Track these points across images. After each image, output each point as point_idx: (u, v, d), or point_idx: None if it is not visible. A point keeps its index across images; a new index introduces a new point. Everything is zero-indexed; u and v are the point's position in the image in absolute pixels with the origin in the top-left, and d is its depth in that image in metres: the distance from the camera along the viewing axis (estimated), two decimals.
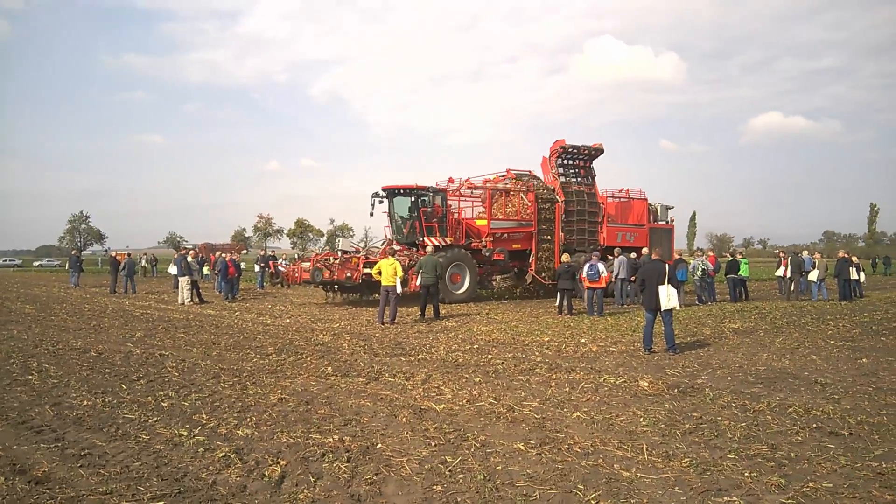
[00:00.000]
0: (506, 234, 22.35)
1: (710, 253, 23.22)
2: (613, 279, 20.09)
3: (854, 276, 22.63)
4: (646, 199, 25.52)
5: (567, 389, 8.44)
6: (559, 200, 23.14)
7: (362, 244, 22.73)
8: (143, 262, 44.14)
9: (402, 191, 21.59)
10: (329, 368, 9.81)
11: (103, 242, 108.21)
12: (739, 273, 22.68)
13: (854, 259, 24.34)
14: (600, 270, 17.16)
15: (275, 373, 9.52)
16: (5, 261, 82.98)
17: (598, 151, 24.23)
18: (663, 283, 11.10)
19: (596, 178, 24.61)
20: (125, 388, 8.52)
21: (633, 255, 21.63)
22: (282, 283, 30.77)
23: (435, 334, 13.71)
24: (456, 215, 22.46)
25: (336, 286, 20.66)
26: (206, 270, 33.10)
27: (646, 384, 8.69)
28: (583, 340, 12.70)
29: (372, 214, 21.68)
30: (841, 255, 23.20)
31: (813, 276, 22.68)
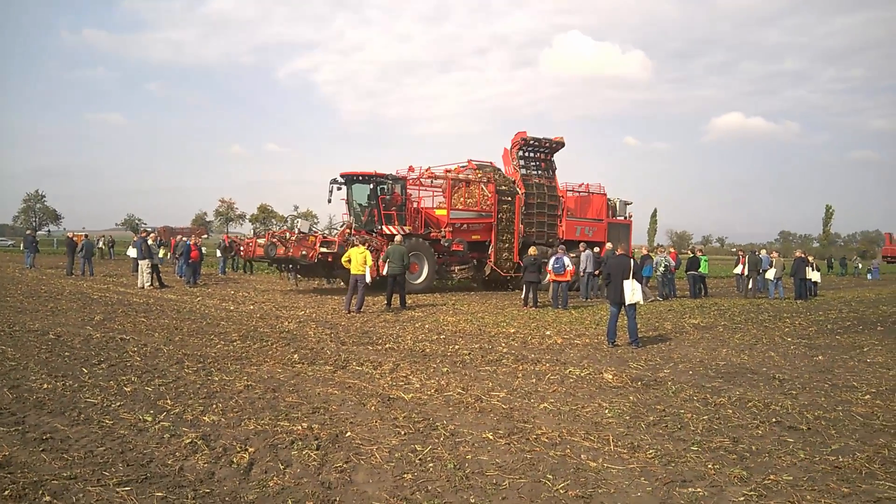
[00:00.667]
0: (465, 225, 22.26)
1: (672, 249, 23.58)
2: (581, 273, 20.35)
3: (810, 275, 23.31)
4: (605, 195, 25.69)
5: (533, 380, 8.52)
6: (519, 193, 23.20)
7: (326, 231, 22.55)
8: (101, 245, 43.25)
9: (360, 178, 21.26)
10: (295, 356, 9.73)
11: (59, 223, 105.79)
12: (699, 270, 23.19)
13: (810, 259, 25.10)
14: (566, 264, 17.32)
15: (240, 359, 9.42)
16: None
17: (559, 145, 24.29)
18: (628, 278, 11.29)
19: (556, 172, 24.69)
20: (86, 371, 8.34)
21: (597, 249, 21.92)
22: (244, 267, 30.47)
23: (402, 324, 13.71)
24: (416, 204, 22.31)
25: (291, 266, 20.42)
26: (162, 253, 32.52)
27: (610, 376, 8.83)
28: (548, 333, 12.82)
29: (330, 201, 21.62)
30: (798, 254, 23.82)
31: (770, 274, 23.31)
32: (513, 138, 23.93)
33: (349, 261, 15.58)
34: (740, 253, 26.52)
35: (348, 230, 20.38)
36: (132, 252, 26.13)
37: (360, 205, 21.73)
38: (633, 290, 11.22)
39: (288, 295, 19.92)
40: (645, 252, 23.01)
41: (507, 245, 23.03)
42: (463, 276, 23.41)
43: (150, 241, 21.71)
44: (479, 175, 23.14)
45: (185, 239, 25.53)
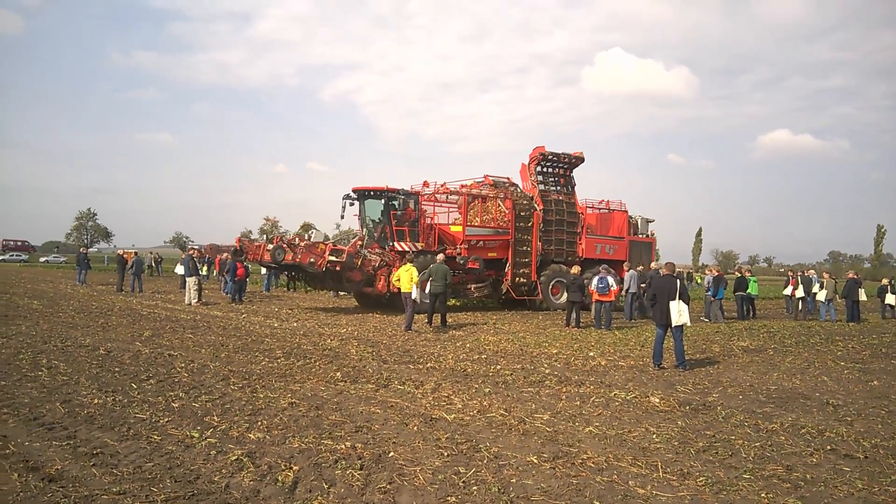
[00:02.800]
0: (481, 242, 21.94)
1: (714, 269, 22.84)
2: (623, 293, 20.03)
3: (863, 297, 22.53)
4: (626, 212, 25.33)
5: (578, 403, 8.39)
6: (537, 209, 22.85)
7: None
8: (151, 262, 44.30)
9: (372, 193, 21.15)
10: (338, 374, 9.77)
11: (110, 240, 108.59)
12: (748, 291, 22.61)
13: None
14: (610, 284, 17.12)
15: (284, 377, 9.49)
16: (11, 256, 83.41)
17: (579, 160, 23.96)
18: (674, 299, 11.08)
19: (576, 188, 24.42)
20: (135, 387, 8.50)
21: (640, 268, 21.59)
22: (287, 285, 30.89)
23: (443, 343, 13.68)
24: (430, 220, 22.11)
25: (298, 273, 20.38)
26: (203, 270, 33.05)
27: (657, 400, 8.64)
28: (591, 354, 12.64)
29: (343, 217, 22.26)
30: (850, 275, 23.07)
31: (822, 295, 22.58)
32: (531, 153, 23.64)
33: (398, 279, 16.00)
34: (790, 273, 25.81)
35: (360, 242, 20.20)
36: (180, 269, 26.74)
37: (372, 220, 21.64)
38: (679, 312, 10.99)
39: (330, 312, 20.04)
40: (716, 273, 21.92)
41: (524, 263, 22.68)
42: (479, 295, 23.14)
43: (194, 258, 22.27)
44: (496, 191, 22.97)
45: (228, 256, 25.96)
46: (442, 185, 22.63)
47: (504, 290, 22.78)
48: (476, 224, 21.93)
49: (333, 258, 18.65)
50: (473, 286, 22.41)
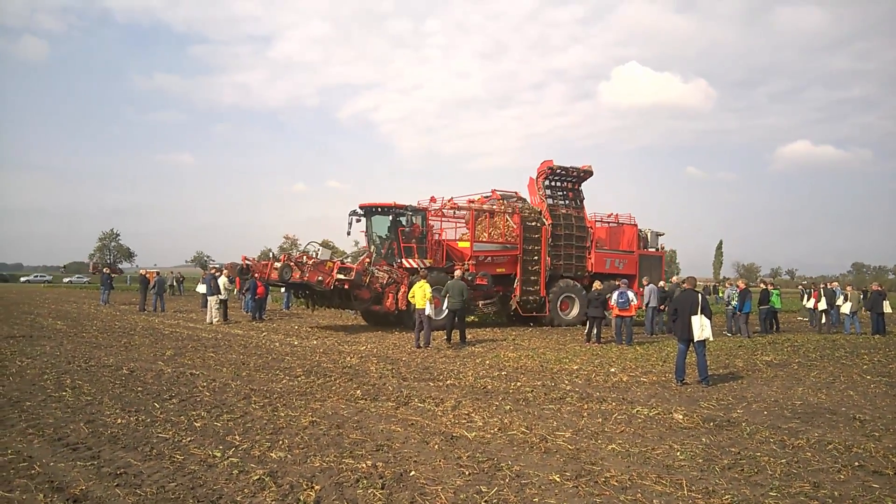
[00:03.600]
0: (490, 258, 21.88)
1: (740, 283, 22.48)
2: (644, 307, 19.85)
3: (887, 309, 22.14)
4: (636, 225, 25.17)
5: (600, 420, 8.32)
6: (546, 223, 22.75)
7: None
8: (172, 281, 44.69)
9: (379, 209, 21.13)
10: (358, 392, 9.79)
11: (133, 260, 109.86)
12: (771, 304, 22.31)
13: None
14: (630, 298, 17.04)
15: (304, 395, 9.52)
16: (35, 276, 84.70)
17: (587, 174, 23.84)
18: (696, 313, 10.97)
19: (584, 202, 24.29)
20: (158, 406, 8.56)
21: (662, 283, 21.39)
22: (307, 303, 30.94)
23: (462, 360, 13.65)
24: (437, 236, 22.11)
25: (307, 293, 20.46)
26: (227, 285, 33.22)
27: (680, 416, 8.54)
28: (612, 370, 12.55)
29: (349, 234, 21.23)
30: (874, 287, 22.72)
31: (846, 308, 22.24)
32: (538, 167, 23.54)
33: (413, 296, 16.04)
34: (809, 286, 25.47)
35: (368, 259, 20.00)
36: (202, 288, 26.88)
37: (379, 237, 21.63)
38: (701, 326, 10.88)
39: (349, 330, 20.08)
40: (742, 286, 21.48)
41: (533, 278, 22.52)
42: (488, 311, 23.01)
43: (223, 278, 22.31)
44: (504, 205, 22.91)
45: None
46: (449, 201, 22.50)
47: (513, 307, 22.60)
48: (484, 239, 21.85)
49: (342, 276, 18.52)
50: (481, 302, 22.41)
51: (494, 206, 22.78)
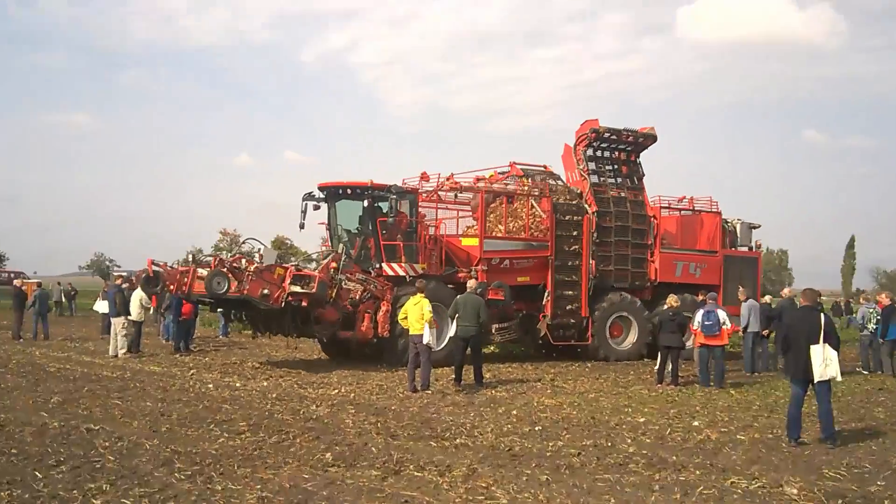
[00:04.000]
0: (507, 261, 21.72)
1: (882, 297, 22.00)
2: (741, 332, 19.78)
3: None
4: (719, 213, 25.25)
5: (678, 496, 8.27)
6: (589, 211, 22.70)
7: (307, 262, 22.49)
8: (60, 296, 44.57)
9: (348, 191, 21.07)
10: (328, 455, 9.70)
11: (1, 265, 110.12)
12: None
13: None
14: (721, 320, 16.92)
15: (251, 459, 9.45)
16: None
17: (649, 139, 23.92)
18: (817, 342, 10.89)
19: (645, 180, 24.33)
20: (40, 476, 8.46)
21: (768, 298, 21.25)
22: (254, 332, 30.75)
23: (478, 409, 13.63)
24: (432, 230, 22.10)
25: (247, 314, 20.71)
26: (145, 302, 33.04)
27: (794, 491, 8.48)
28: (696, 423, 12.53)
29: (302, 226, 21.04)
30: None
31: None
32: (578, 130, 23.53)
33: (405, 317, 16.05)
34: None
35: (335, 264, 19.27)
36: (102, 306, 26.70)
37: (348, 231, 21.60)
38: (825, 361, 10.78)
39: (315, 365, 20.10)
40: (886, 302, 20.72)
41: (570, 291, 22.38)
42: (505, 339, 23.12)
43: (137, 294, 21.78)
44: (528, 185, 22.90)
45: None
46: (448, 179, 22.35)
47: (541, 332, 22.53)
48: (499, 235, 21.87)
49: (297, 289, 18.00)
50: (495, 327, 22.23)
51: (513, 186, 22.78)
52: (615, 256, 23.15)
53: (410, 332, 15.96)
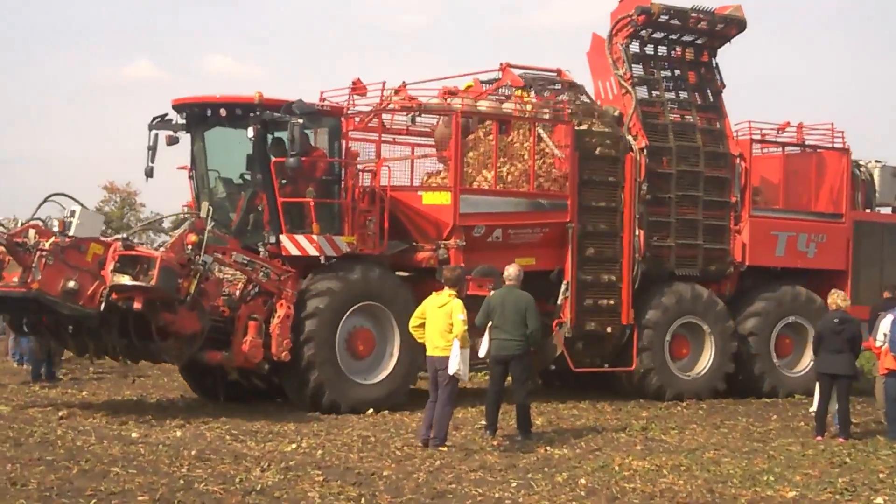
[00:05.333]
0: (498, 231, 21.00)
1: None
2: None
3: None
4: (847, 153, 24.99)
5: None
6: (634, 147, 22.28)
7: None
8: None
9: (221, 112, 19.55)
10: None
11: None
12: None
13: None
14: None
15: None
16: None
17: (733, 25, 23.63)
18: None
19: (724, 96, 24.02)
20: None
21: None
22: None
23: (524, 475, 13.13)
24: (370, 179, 20.88)
25: (39, 321, 18.41)
26: None
27: None
28: (878, 501, 12.11)
29: (150, 173, 20.38)
30: None
31: None
32: (615, 10, 23.16)
33: (422, 325, 15.43)
34: None
35: (195, 237, 17.57)
36: None
37: (226, 182, 20.68)
38: None
39: (259, 404, 19.87)
40: None
41: (605, 277, 21.87)
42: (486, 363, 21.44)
43: None
44: (531, 103, 22.32)
45: None
46: (397, 92, 22.01)
47: (556, 351, 21.84)
48: (484, 187, 21.09)
49: (126, 280, 16.55)
50: (479, 340, 19.60)
51: (509, 105, 22.17)
52: (677, 224, 22.82)
53: (429, 353, 15.32)
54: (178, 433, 16.36)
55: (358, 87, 21.35)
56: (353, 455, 14.65)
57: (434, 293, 15.94)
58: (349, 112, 21.06)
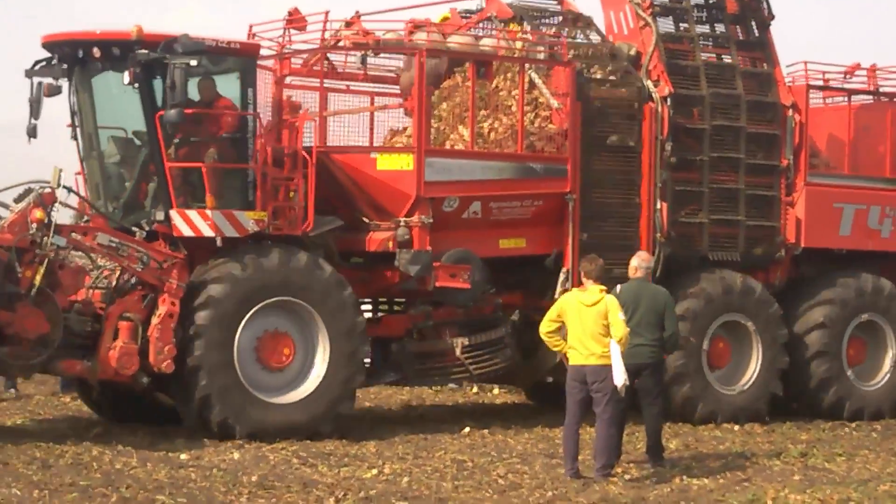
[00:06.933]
0: (477, 205, 18.42)
1: None
2: None
3: None
4: None
5: None
6: (656, 96, 19.62)
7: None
8: None
9: (94, 51, 16.92)
10: None
11: None
12: None
13: None
14: None
15: None
16: None
17: None
18: None
19: (771, 30, 21.39)
20: None
21: None
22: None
23: None
24: (296, 135, 18.05)
25: None
26: None
27: None
28: None
29: (32, 135, 17.75)
30: None
31: None
32: None
33: (558, 328, 13.76)
34: None
35: (41, 211, 15.70)
36: None
37: (118, 141, 17.98)
38: None
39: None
40: None
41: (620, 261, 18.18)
42: (480, 370, 19.09)
43: None
44: (522, 39, 19.78)
45: None
46: (351, 23, 19.71)
47: (554, 359, 18.55)
48: (460, 146, 18.74)
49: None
50: (461, 343, 18.70)
51: (490, 42, 19.57)
52: (711, 194, 20.05)
53: (578, 362, 13.61)
54: (236, 455, 15.33)
55: (295, 19, 19.08)
56: (447, 483, 13.50)
57: (575, 289, 14.37)
58: (284, 52, 18.90)
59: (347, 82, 20.03)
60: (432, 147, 18.24)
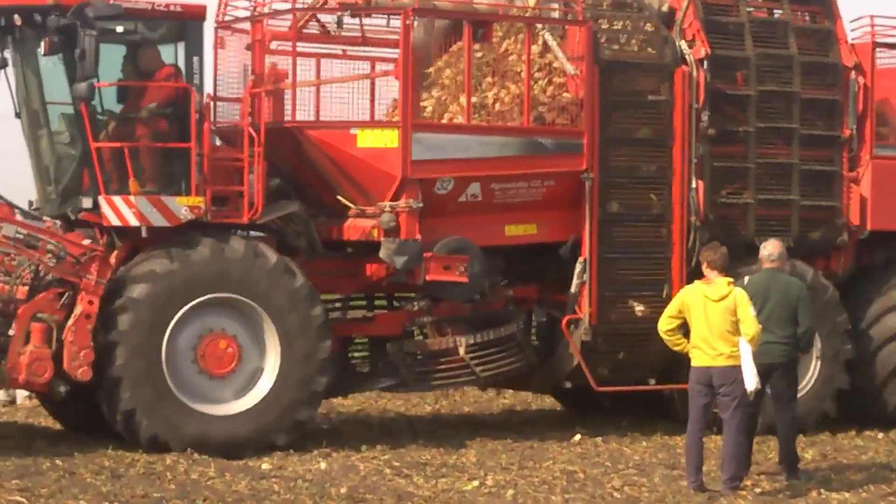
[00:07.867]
0: (476, 187, 16.65)
1: None
2: None
3: None
4: None
5: None
6: (690, 58, 17.66)
7: None
8: None
9: (16, 18, 15.45)
10: None
11: None
12: None
13: None
14: None
15: None
16: None
17: None
18: None
19: None
20: None
21: None
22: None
23: None
24: (280, 107, 16.90)
25: None
26: None
27: None
28: None
29: None
30: None
31: None
32: None
33: (674, 328, 12.90)
34: None
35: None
36: None
37: (69, 119, 16.33)
38: None
39: (426, 417, 18.53)
40: None
41: (642, 258, 17.72)
42: (487, 372, 17.38)
43: None
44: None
45: None
46: None
47: (572, 361, 17.46)
48: (456, 121, 16.99)
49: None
50: (465, 341, 17.15)
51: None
52: (758, 170, 18.18)
53: (703, 363, 12.74)
54: (323, 465, 14.78)
55: None
56: (556, 497, 12.71)
57: (697, 282, 13.16)
58: (258, 13, 17.18)
59: (344, 46, 18.73)
60: (421, 121, 16.77)
